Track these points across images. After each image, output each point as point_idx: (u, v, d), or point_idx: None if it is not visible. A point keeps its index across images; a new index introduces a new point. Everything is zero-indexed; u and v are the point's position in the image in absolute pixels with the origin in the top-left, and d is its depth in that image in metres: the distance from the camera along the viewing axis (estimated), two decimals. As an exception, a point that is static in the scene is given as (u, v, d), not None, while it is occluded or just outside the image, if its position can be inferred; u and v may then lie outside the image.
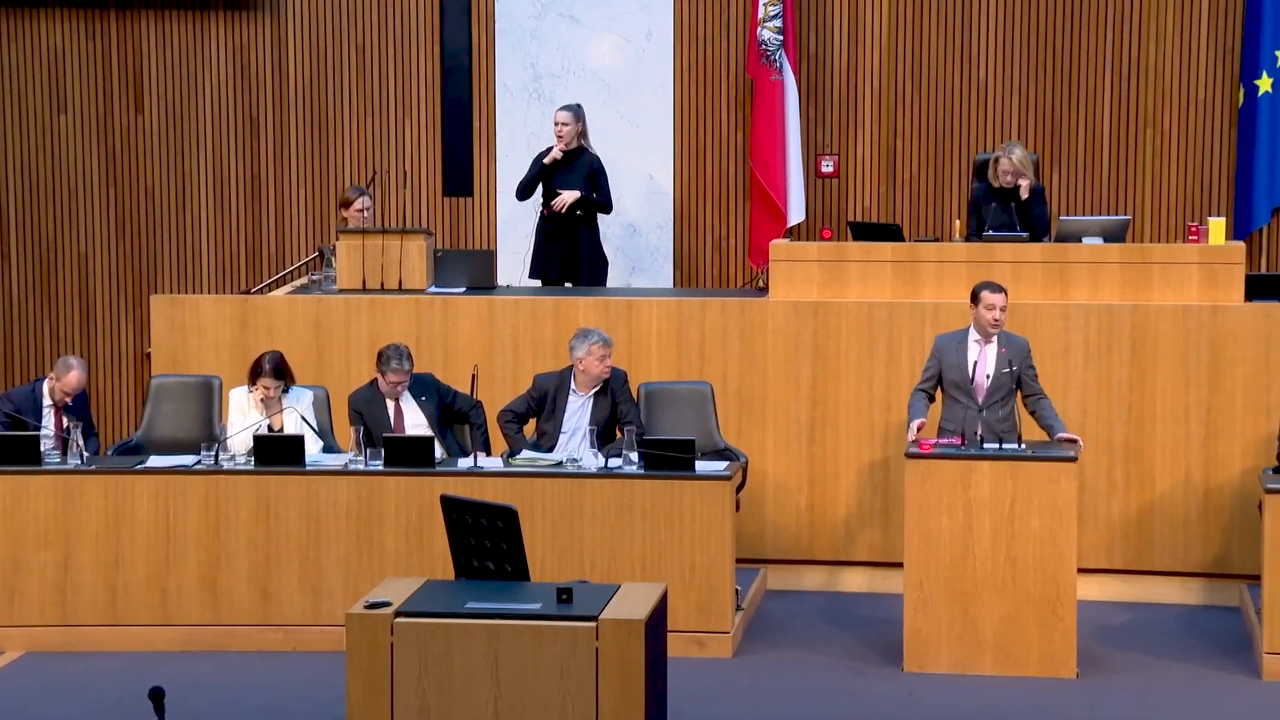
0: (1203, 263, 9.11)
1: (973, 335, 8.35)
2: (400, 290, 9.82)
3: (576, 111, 10.47)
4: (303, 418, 8.68)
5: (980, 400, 8.29)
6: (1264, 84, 10.69)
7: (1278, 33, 10.66)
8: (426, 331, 9.58)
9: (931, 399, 8.43)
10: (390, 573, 8.05)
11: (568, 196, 10.29)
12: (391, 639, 6.39)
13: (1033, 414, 8.39)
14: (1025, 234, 9.50)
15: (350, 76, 11.73)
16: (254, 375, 8.69)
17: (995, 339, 8.33)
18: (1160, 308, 9.08)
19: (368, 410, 8.75)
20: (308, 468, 8.36)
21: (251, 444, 8.43)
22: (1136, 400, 9.07)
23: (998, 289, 8.32)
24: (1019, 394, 8.39)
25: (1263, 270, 10.82)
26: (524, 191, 10.50)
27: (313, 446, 8.53)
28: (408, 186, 11.60)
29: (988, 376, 8.28)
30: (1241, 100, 10.83)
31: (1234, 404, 8.99)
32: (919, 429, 8.16)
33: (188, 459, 8.48)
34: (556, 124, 10.42)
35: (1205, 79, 11.03)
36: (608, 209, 10.49)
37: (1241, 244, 9.40)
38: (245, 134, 11.83)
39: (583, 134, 10.45)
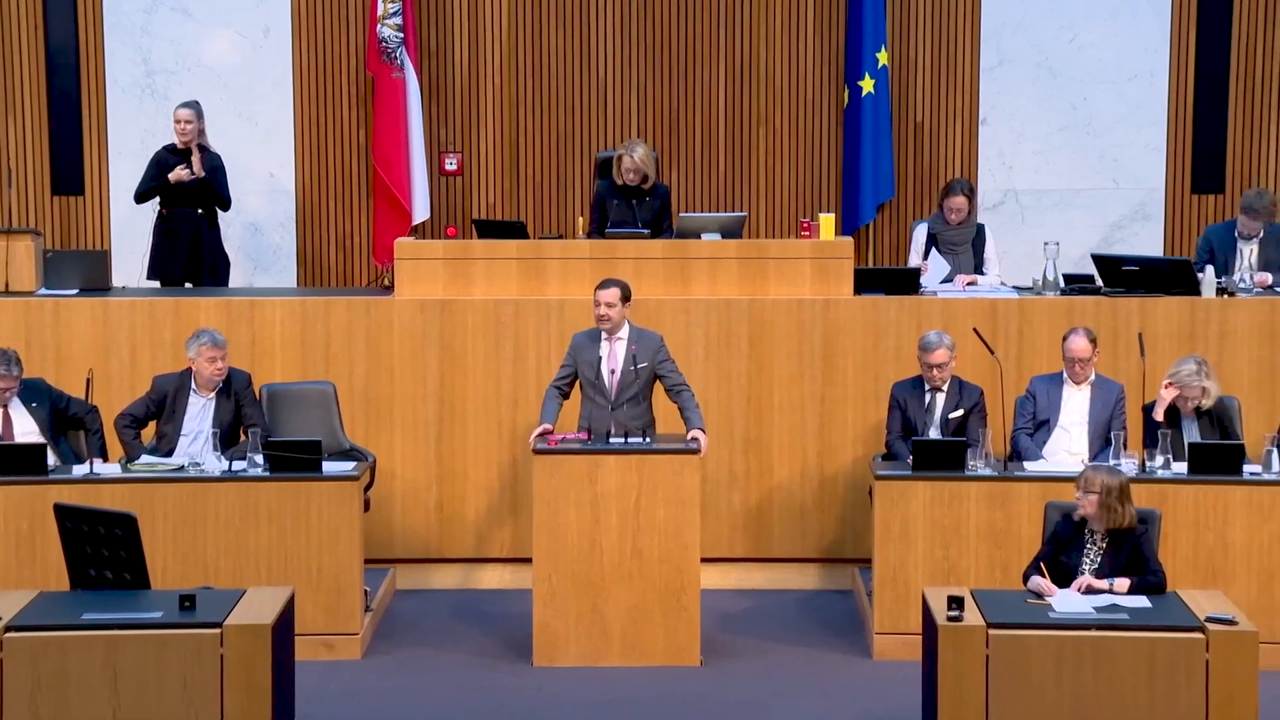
0: (815, 258, 9.44)
1: (603, 334, 8.44)
2: (7, 293, 9.45)
3: (196, 109, 10.25)
4: (-98, 428, 8.29)
5: (612, 398, 8.37)
6: (867, 85, 11.13)
7: (878, 36, 11.12)
8: (37, 335, 9.24)
9: (565, 396, 8.45)
10: None
11: (183, 172, 10.04)
12: (0, 655, 6.16)
13: (679, 408, 8.44)
14: (647, 230, 9.69)
15: (-51, 69, 11.24)
16: None
17: (625, 336, 8.42)
18: (776, 301, 9.37)
19: (-27, 418, 8.41)
20: (-92, 480, 7.99)
21: None
22: (755, 392, 9.35)
23: (606, 285, 8.36)
24: (663, 389, 8.43)
25: (870, 264, 11.28)
26: (143, 198, 10.22)
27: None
28: (13, 185, 11.17)
29: (615, 373, 8.37)
30: (847, 100, 11.26)
31: (846, 394, 9.34)
32: (538, 436, 8.16)
33: None
34: (179, 121, 10.17)
35: (813, 80, 11.44)
36: (225, 204, 10.27)
37: (850, 239, 9.78)
38: None
39: (202, 131, 10.24)
